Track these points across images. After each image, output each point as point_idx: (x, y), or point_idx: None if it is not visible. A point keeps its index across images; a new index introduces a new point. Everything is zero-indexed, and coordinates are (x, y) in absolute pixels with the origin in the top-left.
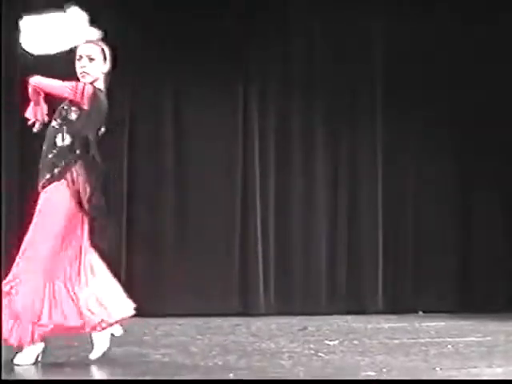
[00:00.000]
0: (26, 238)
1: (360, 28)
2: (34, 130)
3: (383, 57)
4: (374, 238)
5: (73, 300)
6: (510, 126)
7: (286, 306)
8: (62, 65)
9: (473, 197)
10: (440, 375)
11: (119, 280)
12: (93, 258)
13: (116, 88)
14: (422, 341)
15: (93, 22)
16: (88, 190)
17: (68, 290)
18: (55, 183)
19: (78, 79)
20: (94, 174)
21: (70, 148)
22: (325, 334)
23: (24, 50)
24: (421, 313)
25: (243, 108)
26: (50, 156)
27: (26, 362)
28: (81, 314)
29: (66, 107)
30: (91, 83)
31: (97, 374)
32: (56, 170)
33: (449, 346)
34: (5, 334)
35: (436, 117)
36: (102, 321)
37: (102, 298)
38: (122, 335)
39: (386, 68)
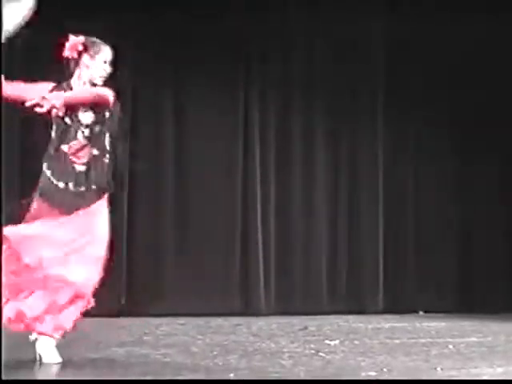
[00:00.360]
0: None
1: (360, 28)
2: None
3: (383, 57)
4: (375, 237)
5: None
6: (510, 125)
7: (286, 306)
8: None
9: (473, 197)
10: (440, 375)
11: (120, 279)
12: None
13: (116, 88)
14: (423, 341)
15: (93, 22)
16: None
17: None
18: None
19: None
20: None
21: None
22: (325, 333)
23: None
24: (421, 313)
25: (243, 108)
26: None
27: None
28: None
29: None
30: None
31: (97, 374)
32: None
33: (449, 346)
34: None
35: (436, 117)
36: None
37: None
38: (123, 335)
39: (386, 68)
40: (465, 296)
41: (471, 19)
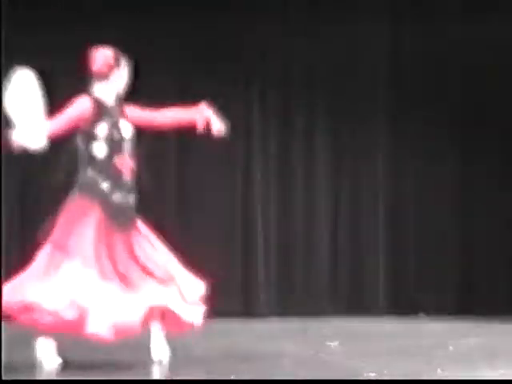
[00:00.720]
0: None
1: (360, 28)
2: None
3: (383, 57)
4: (376, 238)
5: None
6: (510, 126)
7: (287, 307)
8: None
9: (473, 197)
10: (441, 376)
11: None
12: None
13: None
14: (423, 342)
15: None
16: None
17: None
18: None
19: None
20: None
21: None
22: (326, 335)
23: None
24: (422, 315)
25: (244, 108)
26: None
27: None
28: None
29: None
30: None
31: (97, 374)
32: None
33: (450, 348)
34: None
35: (436, 117)
36: None
37: None
38: None
39: (386, 68)
40: (465, 296)
41: (471, 19)
